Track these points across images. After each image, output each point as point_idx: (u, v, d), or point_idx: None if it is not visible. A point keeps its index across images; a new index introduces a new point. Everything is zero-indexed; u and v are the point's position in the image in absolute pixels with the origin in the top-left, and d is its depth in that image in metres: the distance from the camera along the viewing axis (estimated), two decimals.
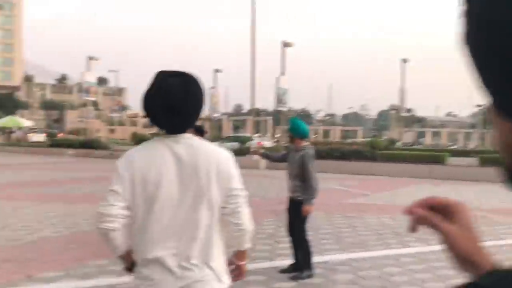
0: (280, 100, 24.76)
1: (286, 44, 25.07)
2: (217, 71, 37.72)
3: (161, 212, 2.03)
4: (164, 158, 2.04)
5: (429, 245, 7.36)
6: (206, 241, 2.06)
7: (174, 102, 1.99)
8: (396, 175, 18.75)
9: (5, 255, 6.33)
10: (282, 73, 25.27)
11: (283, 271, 5.72)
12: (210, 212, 2.05)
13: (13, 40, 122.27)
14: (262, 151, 6.33)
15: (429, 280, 5.60)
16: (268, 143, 35.93)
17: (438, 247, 7.25)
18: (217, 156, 2.09)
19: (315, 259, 5.89)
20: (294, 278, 5.48)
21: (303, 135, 5.59)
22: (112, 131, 77.61)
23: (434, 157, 20.72)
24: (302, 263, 5.58)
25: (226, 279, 2.14)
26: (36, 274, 5.52)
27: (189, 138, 2.10)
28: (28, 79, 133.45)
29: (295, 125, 5.62)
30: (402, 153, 22.67)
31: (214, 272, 2.07)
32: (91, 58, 33.97)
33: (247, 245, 2.23)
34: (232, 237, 2.15)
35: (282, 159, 5.86)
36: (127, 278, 5.48)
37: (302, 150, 5.46)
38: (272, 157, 6.26)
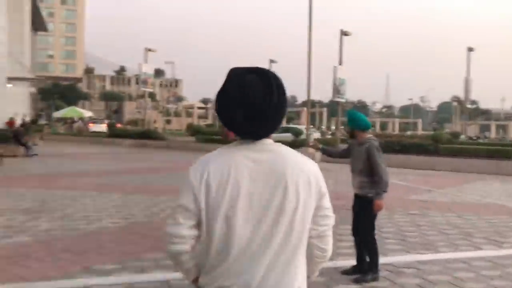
0: (337, 90, 24.10)
1: (344, 33, 24.36)
2: (272, 61, 37.32)
3: (239, 232, 1.66)
4: (243, 168, 1.68)
5: (503, 248, 6.83)
6: (287, 270, 1.69)
7: (255, 103, 1.64)
8: (460, 171, 17.85)
9: (64, 245, 6.34)
10: (340, 63, 24.58)
11: (345, 272, 5.39)
12: (296, 233, 1.68)
13: (75, 33, 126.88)
14: (320, 145, 5.82)
15: None
16: (317, 134, 35.31)
17: None
18: (309, 167, 1.74)
19: (380, 260, 5.52)
20: (357, 281, 5.13)
21: (365, 127, 5.20)
22: (168, 122, 79.18)
23: (501, 152, 19.54)
24: (367, 264, 5.26)
25: None
26: (93, 266, 5.47)
27: (273, 145, 1.74)
28: (89, 71, 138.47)
29: (355, 117, 5.22)
30: (467, 147, 21.54)
31: None
32: (148, 50, 34.50)
33: (317, 274, 1.93)
34: (310, 263, 1.82)
35: (343, 155, 5.53)
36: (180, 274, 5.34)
37: (366, 142, 5.10)
38: (332, 152, 5.80)
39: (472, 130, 62.20)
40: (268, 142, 1.74)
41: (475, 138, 47.05)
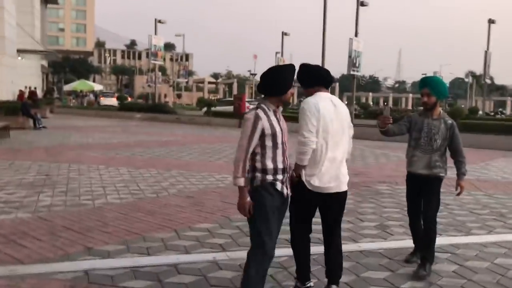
0: (353, 63, 23.27)
1: (361, 3, 23.41)
2: (285, 34, 36.45)
3: (334, 141, 3.71)
4: (330, 106, 3.71)
5: None
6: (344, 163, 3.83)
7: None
8: (482, 147, 17.11)
9: (65, 223, 5.87)
10: (356, 35, 23.70)
11: (407, 261, 4.76)
12: (346, 142, 3.84)
13: (85, 7, 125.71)
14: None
15: None
16: None
17: None
18: (347, 111, 3.94)
19: (411, 244, 4.99)
20: (421, 278, 4.33)
21: (447, 97, 4.60)
22: (179, 96, 78.58)
23: None
24: (427, 256, 4.49)
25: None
26: (95, 247, 4.99)
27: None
28: (99, 44, 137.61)
29: (442, 85, 4.56)
30: (488, 122, 20.77)
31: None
32: (158, 21, 33.74)
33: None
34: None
35: (403, 132, 4.63)
36: (189, 256, 4.86)
37: (444, 118, 4.52)
38: (393, 131, 4.57)
39: (486, 106, 60.91)
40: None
41: (492, 114, 45.99)
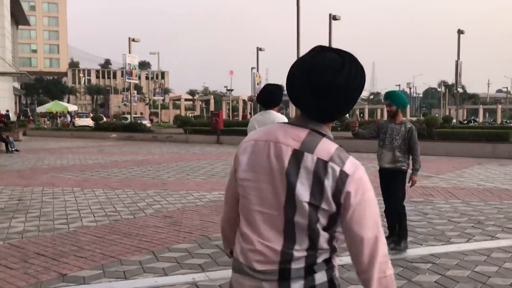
0: None
1: (333, 17, 23.70)
2: (260, 49, 36.64)
3: None
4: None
5: None
6: None
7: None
8: (457, 155, 17.38)
9: (38, 248, 5.68)
10: None
11: None
12: None
13: (58, 27, 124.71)
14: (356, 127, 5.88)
15: None
16: None
17: None
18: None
19: (390, 255, 4.95)
20: (393, 249, 5.36)
21: (405, 106, 5.67)
22: (155, 114, 78.06)
23: (497, 135, 19.10)
24: (400, 233, 5.58)
25: None
26: (69, 273, 4.82)
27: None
28: (73, 65, 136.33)
29: (400, 97, 5.57)
30: (462, 130, 21.13)
31: None
32: (132, 40, 33.58)
33: None
34: None
35: (373, 135, 5.78)
36: (168, 279, 4.74)
37: (405, 123, 5.54)
38: (363, 134, 5.93)
39: (460, 114, 62.07)
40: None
41: (466, 122, 46.77)
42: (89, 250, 5.62)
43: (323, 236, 1.57)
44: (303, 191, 1.53)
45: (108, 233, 6.41)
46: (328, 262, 1.62)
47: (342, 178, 1.52)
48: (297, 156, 1.56)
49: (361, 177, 1.54)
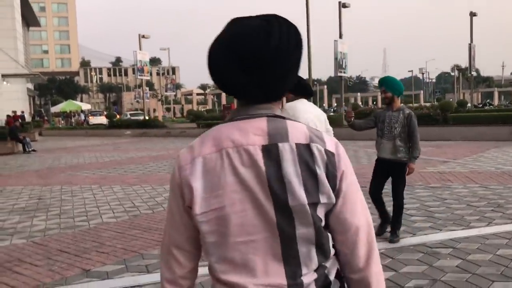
0: (340, 65, 23.31)
1: (343, 5, 23.52)
2: None
3: None
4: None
5: None
6: None
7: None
8: (473, 139, 17.20)
9: (61, 246, 5.77)
10: (340, 36, 23.78)
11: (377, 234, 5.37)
12: None
13: (68, 27, 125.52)
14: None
15: None
16: None
17: None
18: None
19: (410, 241, 4.97)
20: (392, 241, 5.31)
21: (401, 92, 5.33)
22: (168, 109, 78.42)
23: None
24: (396, 225, 5.47)
25: None
26: (93, 268, 4.90)
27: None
28: (85, 64, 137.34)
29: (395, 82, 5.36)
30: (477, 114, 20.88)
31: None
32: (143, 36, 33.68)
33: None
34: None
35: (368, 126, 5.57)
36: None
37: (403, 109, 5.30)
38: (360, 125, 5.63)
39: (474, 98, 61.37)
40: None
41: (481, 105, 46.23)
42: (110, 245, 5.69)
43: (327, 238, 1.27)
44: (296, 192, 1.19)
45: (128, 228, 6.48)
46: (340, 278, 1.33)
47: (330, 158, 1.24)
48: (270, 151, 1.20)
49: (344, 154, 1.29)
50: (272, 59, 1.20)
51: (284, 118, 1.26)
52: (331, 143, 1.27)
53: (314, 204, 1.20)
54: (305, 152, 1.21)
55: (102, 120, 46.20)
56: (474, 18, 30.44)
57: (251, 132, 1.22)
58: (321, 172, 1.21)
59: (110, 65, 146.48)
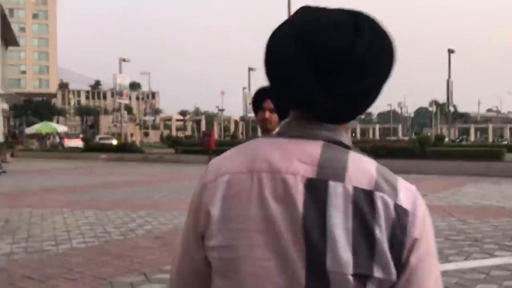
0: None
1: None
2: (251, 69, 36.81)
3: None
4: None
5: None
6: None
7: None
8: (450, 173, 17.36)
9: (25, 271, 5.49)
10: None
11: None
12: None
13: (48, 48, 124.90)
14: None
15: None
16: None
17: None
18: None
19: None
20: None
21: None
22: (146, 134, 77.93)
23: (490, 153, 19.19)
24: None
25: None
26: None
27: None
28: (63, 86, 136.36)
29: None
30: (455, 149, 21.21)
31: None
32: (123, 60, 33.64)
33: None
34: None
35: None
36: None
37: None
38: None
39: (452, 133, 62.62)
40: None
41: (458, 140, 47.10)
42: (78, 272, 5.44)
43: None
44: (339, 253, 0.83)
45: (98, 255, 6.23)
46: None
47: (401, 218, 0.86)
48: (316, 189, 0.86)
49: (424, 214, 0.90)
50: (358, 65, 0.88)
51: (348, 147, 0.92)
52: (407, 195, 0.89)
53: (362, 277, 0.83)
54: (364, 202, 0.85)
55: (78, 143, 45.51)
56: (452, 55, 31.31)
57: (296, 157, 0.89)
58: (381, 235, 0.84)
59: (89, 88, 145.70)
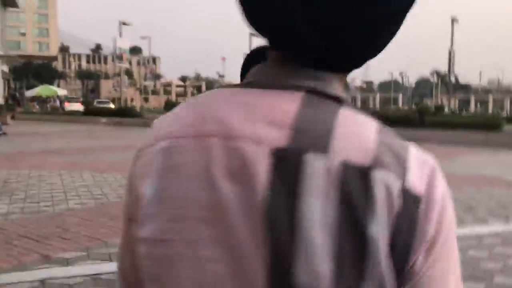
0: None
1: None
2: (252, 35, 36.29)
3: None
4: None
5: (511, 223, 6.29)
6: None
7: None
8: (448, 143, 17.35)
9: (21, 230, 5.55)
10: None
11: None
12: None
13: (48, 10, 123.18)
14: None
15: None
16: None
17: None
18: None
19: None
20: None
21: None
22: (146, 100, 77.75)
23: (489, 124, 19.15)
24: None
25: None
26: (53, 255, 4.70)
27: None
28: (64, 49, 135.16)
29: None
30: (454, 119, 21.15)
31: None
32: (123, 23, 33.22)
33: None
34: None
35: None
36: None
37: None
38: None
39: (452, 104, 62.38)
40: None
41: (458, 111, 46.95)
42: (74, 232, 5.50)
43: None
44: (316, 261, 0.54)
45: (94, 216, 6.29)
46: None
47: (409, 208, 0.55)
48: (286, 164, 0.56)
49: (444, 200, 0.59)
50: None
51: (340, 101, 0.60)
52: (421, 172, 0.58)
53: None
54: (356, 185, 0.54)
55: (79, 107, 45.41)
56: (456, 25, 30.86)
57: (263, 117, 0.58)
58: (379, 234, 0.54)
59: (89, 52, 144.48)
